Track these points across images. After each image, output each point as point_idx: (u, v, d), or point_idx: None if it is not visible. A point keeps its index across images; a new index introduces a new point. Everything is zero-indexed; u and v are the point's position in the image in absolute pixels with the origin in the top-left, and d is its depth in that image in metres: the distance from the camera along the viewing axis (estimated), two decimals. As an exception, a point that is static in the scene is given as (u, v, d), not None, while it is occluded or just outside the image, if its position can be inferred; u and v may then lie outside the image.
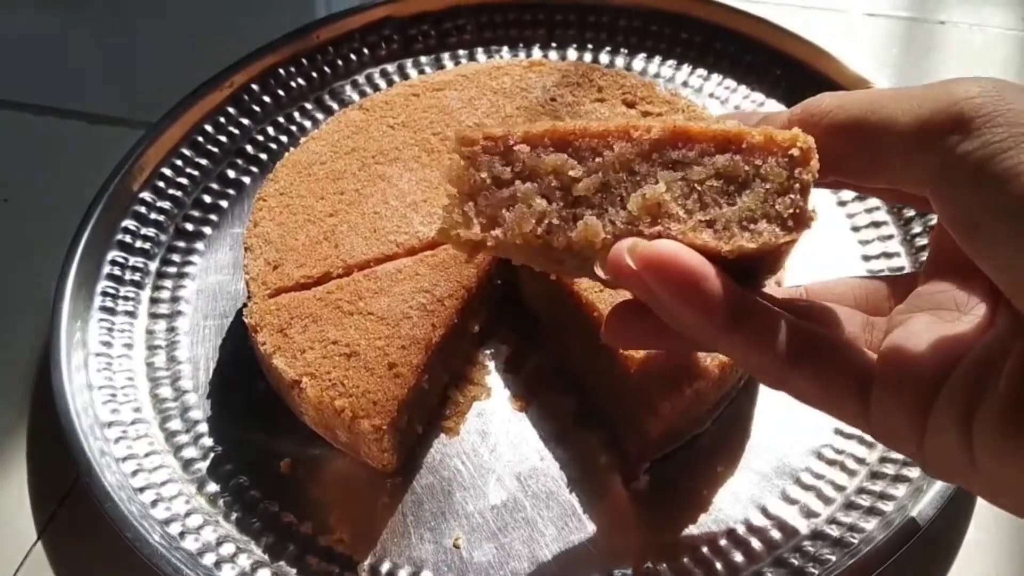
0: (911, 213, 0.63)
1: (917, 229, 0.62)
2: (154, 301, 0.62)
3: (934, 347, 0.34)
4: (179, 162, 0.68)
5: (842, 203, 0.65)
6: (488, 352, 0.60)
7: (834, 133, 0.35)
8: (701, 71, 0.74)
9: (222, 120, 0.71)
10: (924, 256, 0.61)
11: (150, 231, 0.65)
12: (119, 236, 0.64)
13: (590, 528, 0.52)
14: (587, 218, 0.37)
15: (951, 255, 0.37)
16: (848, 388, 0.35)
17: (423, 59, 0.76)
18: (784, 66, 0.73)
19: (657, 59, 0.75)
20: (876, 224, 0.64)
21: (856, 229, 0.64)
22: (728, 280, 0.34)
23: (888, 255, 0.62)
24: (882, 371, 0.35)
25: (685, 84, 0.74)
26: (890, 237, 0.63)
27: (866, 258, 0.63)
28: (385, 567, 0.51)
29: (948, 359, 0.34)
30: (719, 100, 0.72)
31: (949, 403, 0.32)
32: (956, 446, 0.32)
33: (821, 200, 0.65)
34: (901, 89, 0.33)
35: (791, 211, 0.36)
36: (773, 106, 0.72)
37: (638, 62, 0.75)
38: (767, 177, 0.36)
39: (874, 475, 0.52)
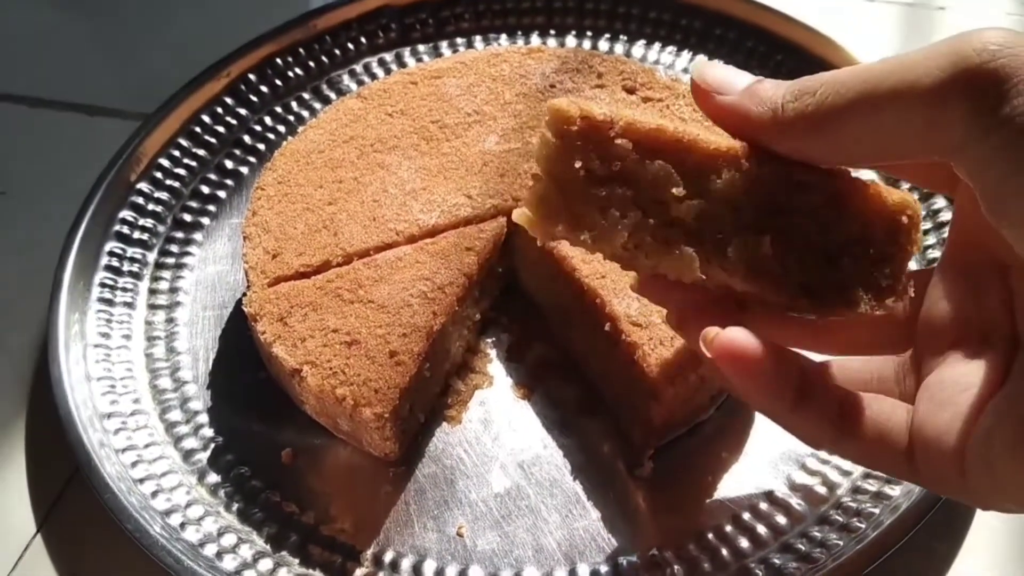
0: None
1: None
2: (153, 292, 0.62)
3: (956, 416, 0.34)
4: (177, 153, 0.68)
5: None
6: (490, 341, 0.59)
7: (837, 116, 0.32)
8: (701, 57, 0.73)
9: (220, 110, 0.70)
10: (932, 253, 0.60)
11: (148, 222, 0.65)
12: (117, 227, 0.64)
13: (594, 515, 0.51)
14: (684, 250, 0.35)
15: (966, 252, 0.37)
16: (894, 454, 0.35)
17: (421, 47, 0.75)
18: (785, 52, 0.72)
19: (657, 45, 0.75)
20: None
21: None
22: (794, 361, 0.36)
23: None
24: (918, 448, 0.35)
25: (686, 71, 0.73)
26: None
27: None
28: (388, 556, 0.50)
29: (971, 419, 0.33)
30: (720, 86, 0.72)
31: (992, 443, 0.32)
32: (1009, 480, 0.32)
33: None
34: (899, 57, 0.31)
35: (889, 283, 0.35)
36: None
37: (638, 49, 0.74)
38: (872, 241, 0.34)
39: (880, 460, 0.51)
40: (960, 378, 0.35)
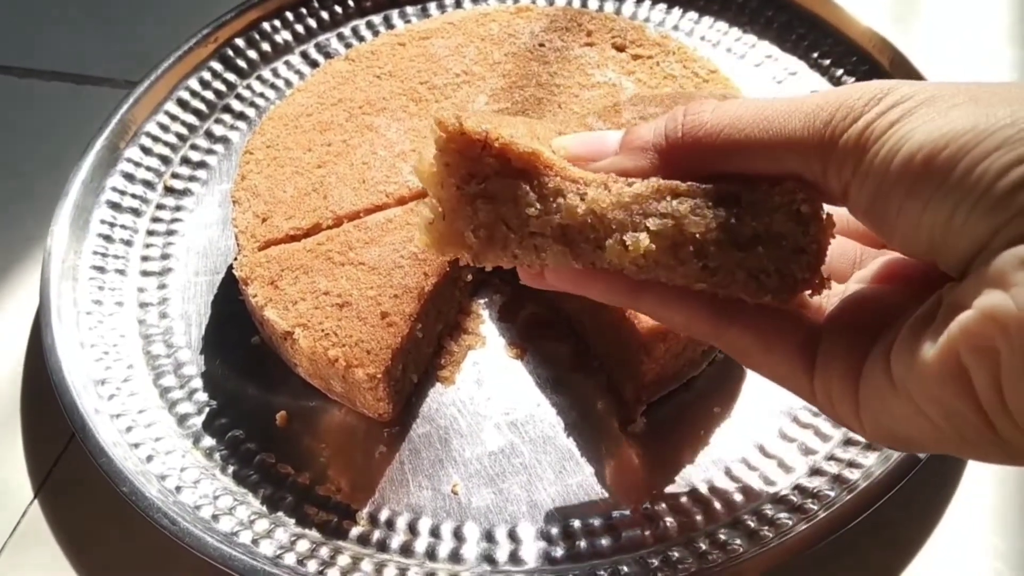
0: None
1: None
2: (144, 259, 0.62)
3: (872, 306, 0.35)
4: (165, 119, 0.68)
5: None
6: (482, 302, 0.59)
7: (732, 149, 0.34)
8: (692, 14, 0.73)
9: (207, 76, 0.70)
10: None
11: (138, 189, 0.64)
12: (107, 195, 0.63)
13: (588, 471, 0.51)
14: (554, 248, 0.36)
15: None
16: (793, 348, 0.35)
17: (409, 9, 0.75)
18: (776, 7, 0.72)
19: (647, 2, 0.74)
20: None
21: None
22: None
23: None
24: (829, 331, 0.35)
25: (676, 28, 0.72)
26: None
27: None
28: (384, 515, 0.50)
29: (883, 314, 0.34)
30: (710, 43, 0.71)
31: (878, 348, 0.32)
32: (882, 384, 0.32)
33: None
34: (795, 101, 0.33)
35: (805, 276, 0.34)
36: (766, 48, 0.71)
37: (628, 6, 0.74)
38: (781, 233, 0.34)
39: (872, 411, 0.52)
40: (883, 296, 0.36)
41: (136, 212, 0.64)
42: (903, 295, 0.34)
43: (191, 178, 0.66)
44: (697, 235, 0.35)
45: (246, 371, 0.57)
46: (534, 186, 0.36)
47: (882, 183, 0.30)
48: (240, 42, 0.72)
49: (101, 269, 0.60)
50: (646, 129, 0.36)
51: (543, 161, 0.36)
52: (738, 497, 0.49)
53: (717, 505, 0.49)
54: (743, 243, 0.35)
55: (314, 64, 0.72)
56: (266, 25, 0.73)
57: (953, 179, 0.28)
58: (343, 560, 0.48)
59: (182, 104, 0.69)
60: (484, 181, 0.36)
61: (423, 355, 0.56)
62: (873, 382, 0.32)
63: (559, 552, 0.48)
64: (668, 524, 0.49)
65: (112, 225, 0.62)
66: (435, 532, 0.50)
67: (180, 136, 0.67)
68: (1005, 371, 0.27)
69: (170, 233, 0.63)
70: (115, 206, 0.63)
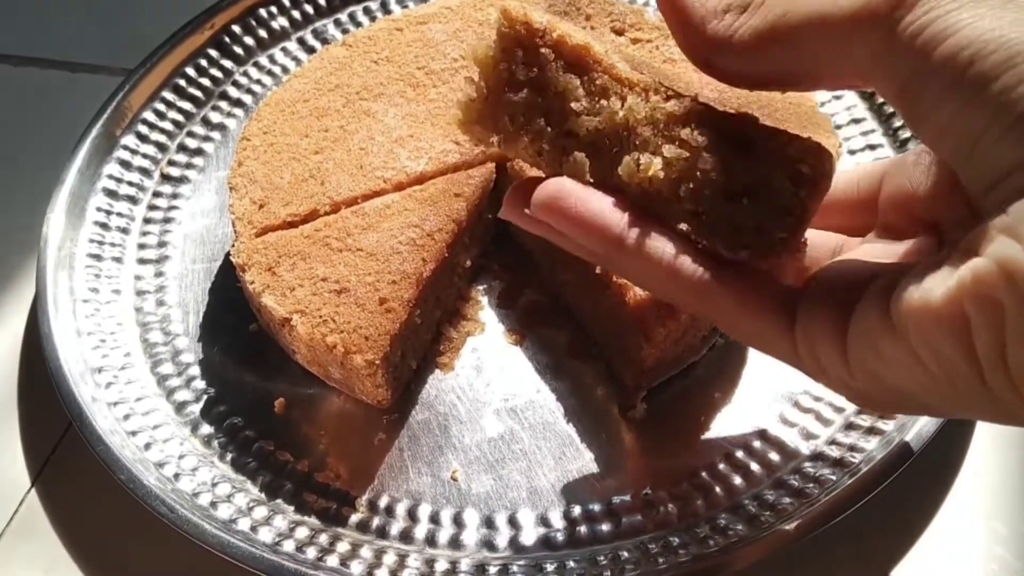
0: (907, 134, 0.62)
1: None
2: (141, 247, 0.61)
3: (860, 263, 0.34)
4: (162, 106, 0.67)
5: (837, 127, 0.64)
6: (481, 288, 0.59)
7: (760, 42, 0.32)
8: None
9: (204, 63, 0.70)
10: (909, 147, 0.61)
11: (134, 177, 0.64)
12: (103, 183, 0.63)
13: (588, 457, 0.51)
14: (576, 156, 0.37)
15: (898, 221, 0.39)
16: (772, 305, 0.35)
17: (406, -6, 0.74)
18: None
19: (646, -13, 0.73)
20: (856, 120, 0.64)
21: (838, 127, 0.63)
22: (617, 209, 0.36)
23: (872, 147, 0.62)
24: (812, 288, 0.34)
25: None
26: (872, 131, 0.63)
27: (852, 152, 0.63)
28: (383, 501, 0.50)
29: (872, 269, 0.33)
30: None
31: (870, 294, 0.31)
32: (876, 329, 0.31)
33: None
34: None
35: (782, 236, 0.34)
36: None
37: (627, -9, 0.73)
38: (774, 190, 0.34)
39: (873, 396, 0.51)
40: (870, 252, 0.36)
41: (133, 200, 0.63)
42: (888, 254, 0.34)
43: (188, 165, 0.66)
44: (699, 173, 0.35)
45: (244, 358, 0.56)
46: (583, 81, 0.37)
47: (918, 69, 0.29)
48: (237, 28, 0.71)
49: (98, 257, 0.60)
50: None
51: (593, 55, 0.36)
52: (738, 482, 0.49)
53: (717, 490, 0.49)
54: (734, 192, 0.35)
55: (311, 50, 0.71)
56: (263, 11, 0.72)
57: (993, 90, 0.27)
58: (342, 547, 0.48)
59: (178, 91, 0.68)
60: (536, 71, 0.37)
61: (422, 341, 0.55)
62: (865, 326, 0.31)
63: (559, 538, 0.48)
64: (668, 509, 0.49)
65: (109, 213, 0.62)
66: (435, 519, 0.50)
67: (177, 123, 0.67)
68: (1010, 327, 0.26)
69: (167, 221, 0.63)
70: (111, 194, 0.63)
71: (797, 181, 0.34)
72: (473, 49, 0.38)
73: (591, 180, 0.37)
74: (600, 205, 0.36)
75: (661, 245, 0.35)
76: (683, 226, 0.35)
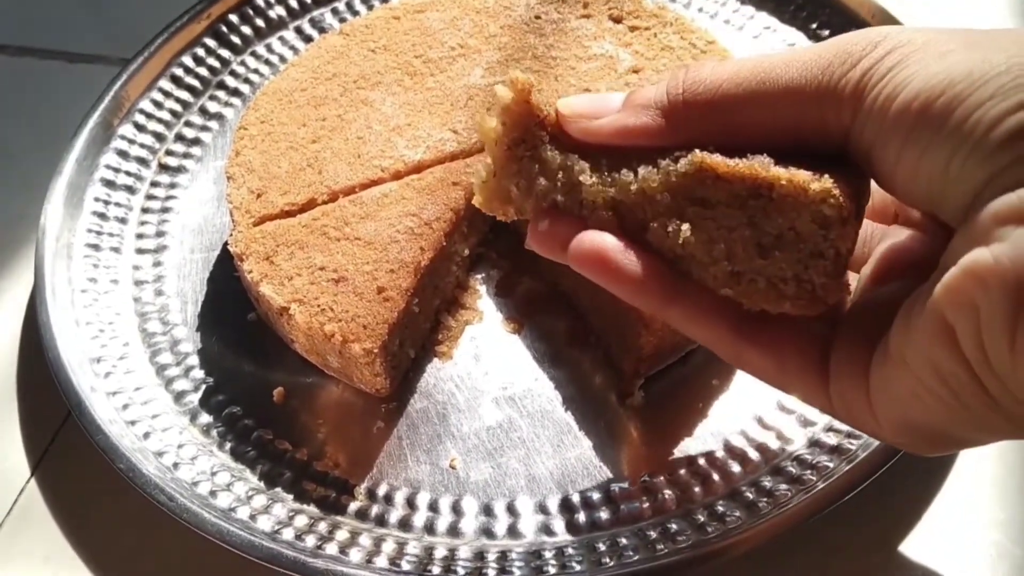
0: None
1: None
2: (139, 236, 0.61)
3: (882, 304, 0.34)
4: (159, 96, 0.67)
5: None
6: (479, 276, 0.59)
7: (732, 105, 0.34)
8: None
9: (201, 52, 0.69)
10: None
11: (132, 167, 0.64)
12: (101, 173, 0.63)
13: (586, 444, 0.51)
14: (602, 214, 0.37)
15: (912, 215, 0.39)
16: (807, 358, 0.35)
17: (404, -17, 0.74)
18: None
19: (644, -26, 0.73)
20: None
21: None
22: (653, 261, 0.36)
23: None
24: (839, 338, 0.35)
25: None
26: None
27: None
28: (382, 490, 0.50)
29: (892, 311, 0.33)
30: (708, 14, 0.71)
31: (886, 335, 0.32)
32: (888, 362, 0.31)
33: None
34: (793, 51, 0.33)
35: (823, 281, 0.33)
36: (764, 19, 0.70)
37: (624, -21, 0.73)
38: (802, 236, 0.33)
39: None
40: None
41: (130, 189, 0.63)
42: (902, 289, 0.33)
43: (185, 155, 0.66)
44: (726, 231, 0.34)
45: (243, 348, 0.56)
46: (590, 160, 0.37)
47: (880, 129, 0.30)
48: (234, 18, 0.71)
49: (96, 247, 0.60)
50: (649, 89, 0.36)
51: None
52: (736, 469, 0.49)
53: (715, 477, 0.49)
54: (766, 245, 0.34)
55: (308, 39, 0.71)
56: (260, 0, 0.72)
57: (949, 127, 0.28)
58: (341, 535, 0.48)
59: (176, 81, 0.68)
60: (536, 147, 0.38)
61: (420, 330, 0.55)
62: (879, 371, 0.32)
63: (558, 525, 0.48)
64: (666, 496, 0.49)
65: (106, 203, 0.62)
66: (433, 507, 0.50)
67: (174, 113, 0.67)
68: (984, 324, 0.27)
69: (165, 210, 0.63)
70: (109, 184, 0.63)
71: (823, 224, 0.33)
72: (480, 123, 0.39)
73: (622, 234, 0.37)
74: (639, 270, 0.36)
75: (698, 314, 0.36)
76: (727, 291, 0.35)
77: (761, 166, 0.33)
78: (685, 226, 0.35)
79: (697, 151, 0.34)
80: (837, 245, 0.33)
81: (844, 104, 0.31)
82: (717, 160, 0.34)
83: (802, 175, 0.33)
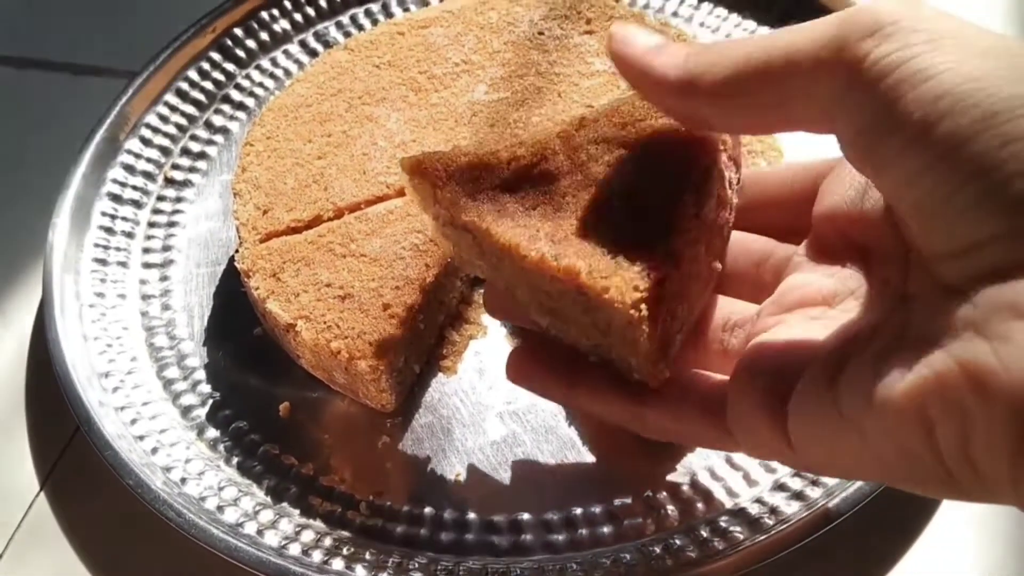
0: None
1: None
2: (146, 251, 0.62)
3: (793, 343, 0.33)
4: (165, 110, 0.68)
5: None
6: (483, 291, 0.59)
7: (723, 85, 0.30)
8: (691, 1, 0.73)
9: (206, 66, 0.70)
10: None
11: (139, 181, 0.65)
12: (108, 187, 0.63)
13: (589, 459, 0.52)
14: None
15: (831, 238, 0.36)
16: (705, 412, 0.36)
17: (408, -3, 0.75)
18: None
19: (646, -11, 0.74)
20: None
21: None
22: (558, 351, 0.41)
23: None
24: (737, 375, 0.34)
25: (675, 15, 0.72)
26: None
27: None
28: (387, 504, 0.51)
29: (809, 350, 0.31)
30: (710, 29, 0.71)
31: (811, 378, 0.30)
32: (822, 414, 0.29)
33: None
34: (790, 27, 0.30)
35: (642, 365, 0.37)
36: (764, 33, 0.70)
37: (627, -7, 0.74)
38: (613, 327, 0.36)
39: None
40: (811, 311, 0.34)
41: (137, 204, 0.64)
42: (814, 348, 0.32)
43: (191, 169, 0.66)
44: (573, 315, 0.38)
45: (249, 362, 0.57)
46: (476, 240, 0.40)
47: (885, 113, 0.26)
48: (239, 32, 0.71)
49: (103, 261, 0.60)
50: (676, 45, 0.33)
51: (479, 228, 0.38)
52: (739, 485, 0.50)
53: (718, 493, 0.50)
54: (602, 328, 0.37)
55: (313, 53, 0.72)
56: (264, 14, 0.72)
57: (972, 150, 0.24)
58: (347, 550, 0.48)
59: (181, 95, 0.69)
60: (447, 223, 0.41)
61: (425, 345, 0.56)
62: (810, 415, 0.30)
63: (561, 540, 0.49)
64: (669, 512, 0.49)
65: (113, 217, 0.62)
66: (438, 522, 0.50)
67: (180, 127, 0.68)
68: (979, 435, 0.23)
69: (171, 225, 0.63)
70: (116, 198, 0.63)
71: (626, 321, 0.34)
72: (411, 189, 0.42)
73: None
74: (545, 373, 0.41)
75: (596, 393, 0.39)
76: (594, 359, 0.40)
77: (578, 261, 0.35)
78: (545, 319, 0.39)
79: (535, 252, 0.36)
80: (640, 340, 0.34)
81: (839, 68, 0.27)
82: (545, 261, 0.36)
83: (602, 273, 0.35)
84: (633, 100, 0.39)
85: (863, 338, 0.29)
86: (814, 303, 0.35)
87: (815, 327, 0.33)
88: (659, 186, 0.37)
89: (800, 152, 0.61)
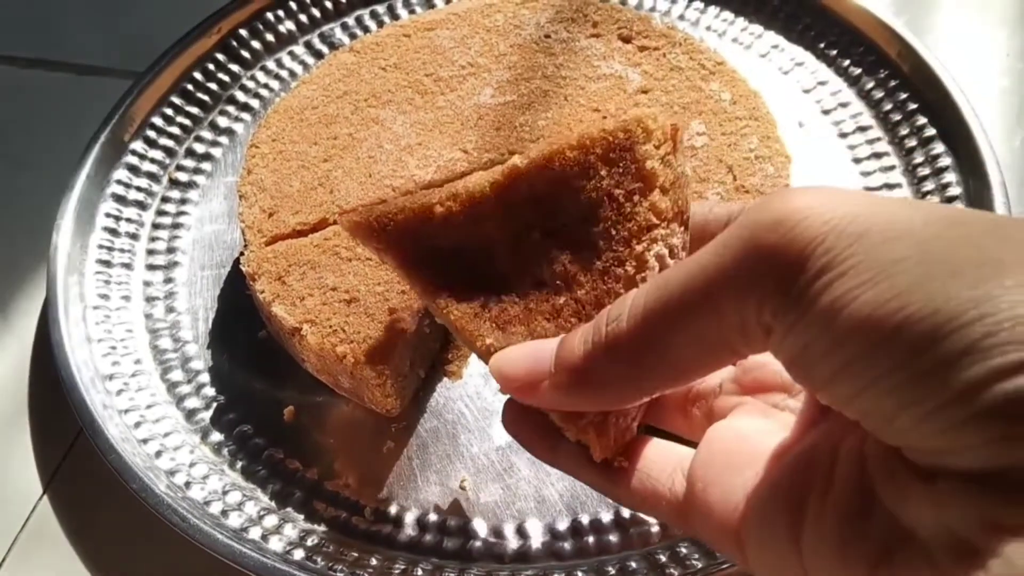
0: (912, 143, 0.62)
1: (919, 159, 0.62)
2: (150, 252, 0.62)
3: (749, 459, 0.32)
4: (170, 111, 0.68)
5: (843, 135, 0.64)
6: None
7: (659, 334, 0.29)
8: (698, 4, 0.73)
9: (211, 67, 0.70)
10: (926, 186, 0.60)
11: (143, 182, 0.64)
12: (112, 188, 0.63)
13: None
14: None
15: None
16: (666, 507, 0.35)
17: (414, -1, 0.74)
18: (784, -3, 0.71)
19: (653, -8, 0.73)
20: (878, 156, 0.63)
21: (857, 161, 0.63)
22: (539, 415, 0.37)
23: (890, 186, 0.61)
24: (689, 499, 0.33)
25: (682, 18, 0.72)
26: (892, 168, 0.62)
27: (857, 160, 0.63)
28: (392, 510, 0.51)
29: (766, 481, 0.30)
30: (716, 32, 0.71)
31: (771, 521, 0.29)
32: (784, 563, 0.28)
33: (821, 131, 0.65)
34: (697, 258, 0.28)
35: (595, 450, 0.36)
36: (772, 38, 0.70)
37: (633, -4, 0.73)
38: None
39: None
40: (770, 397, 0.34)
41: (141, 205, 0.63)
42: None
43: (196, 170, 0.66)
44: None
45: (254, 366, 0.57)
46: None
47: (825, 335, 0.25)
48: (244, 32, 0.71)
49: (107, 263, 0.60)
50: (576, 339, 0.32)
51: (425, 300, 0.39)
52: (745, 492, 0.50)
53: (724, 500, 0.49)
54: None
55: (318, 54, 0.71)
56: (269, 15, 0.72)
57: (921, 365, 0.22)
58: (351, 555, 0.48)
59: (186, 96, 0.68)
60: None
61: (430, 350, 0.56)
62: (768, 554, 0.29)
63: (567, 548, 0.49)
64: (676, 520, 0.49)
65: (118, 219, 0.62)
66: (443, 527, 0.50)
67: (184, 128, 0.67)
68: None
69: (176, 226, 0.63)
70: (120, 199, 0.63)
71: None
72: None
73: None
74: (534, 440, 0.38)
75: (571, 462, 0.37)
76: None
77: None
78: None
79: (480, 342, 0.37)
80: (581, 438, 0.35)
81: (769, 297, 0.26)
82: (492, 352, 0.36)
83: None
84: (564, 150, 0.37)
85: (821, 473, 0.28)
86: (773, 387, 0.35)
87: (772, 427, 0.33)
88: (591, 254, 0.36)
89: (804, 152, 0.61)
